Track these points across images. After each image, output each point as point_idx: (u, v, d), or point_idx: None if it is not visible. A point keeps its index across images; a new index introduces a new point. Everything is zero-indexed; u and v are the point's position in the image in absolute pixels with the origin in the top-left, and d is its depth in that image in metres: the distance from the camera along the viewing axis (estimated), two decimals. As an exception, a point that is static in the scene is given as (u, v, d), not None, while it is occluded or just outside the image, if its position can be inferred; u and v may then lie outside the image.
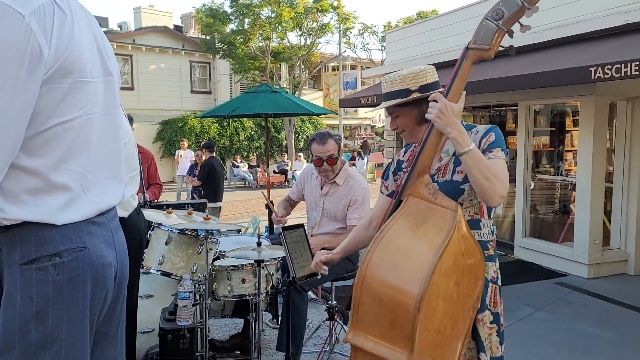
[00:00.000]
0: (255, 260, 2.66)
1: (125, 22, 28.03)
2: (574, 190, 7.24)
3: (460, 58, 1.63)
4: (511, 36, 1.59)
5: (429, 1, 61.96)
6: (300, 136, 23.42)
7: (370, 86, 12.47)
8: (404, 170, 1.98)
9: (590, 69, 4.82)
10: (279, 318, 3.73)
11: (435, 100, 1.63)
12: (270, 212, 6.77)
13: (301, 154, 21.29)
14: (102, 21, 26.94)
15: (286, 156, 21.36)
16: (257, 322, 2.84)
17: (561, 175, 7.91)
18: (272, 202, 5.48)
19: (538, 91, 6.97)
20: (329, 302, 3.34)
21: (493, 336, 1.77)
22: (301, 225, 2.37)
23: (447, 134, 1.62)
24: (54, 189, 1.12)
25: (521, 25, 1.58)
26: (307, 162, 21.83)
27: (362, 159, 22.05)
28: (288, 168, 20.63)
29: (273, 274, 2.91)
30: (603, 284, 6.47)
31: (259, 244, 2.64)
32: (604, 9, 6.17)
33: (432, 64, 7.48)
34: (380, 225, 2.10)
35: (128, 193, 2.20)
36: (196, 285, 2.70)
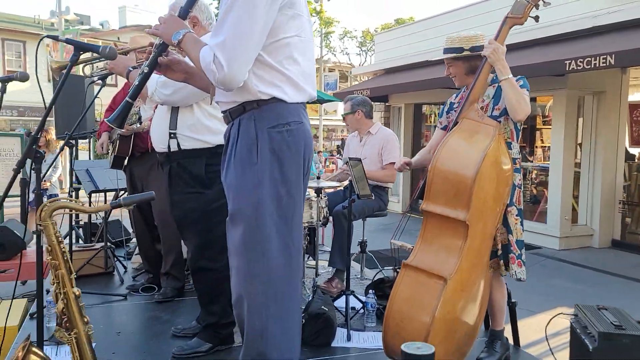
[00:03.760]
0: (315, 189, 3.40)
1: (106, 21, 28.24)
2: (545, 177, 8.20)
3: (501, 24, 2.42)
4: (537, 8, 2.38)
5: (406, 9, 63.61)
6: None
7: (362, 81, 13.30)
8: (455, 109, 2.71)
9: (565, 61, 5.73)
10: (315, 256, 4.45)
11: (489, 44, 2.39)
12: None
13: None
14: (84, 19, 27.10)
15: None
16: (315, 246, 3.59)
17: (533, 163, 8.86)
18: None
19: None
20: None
21: (517, 224, 2.53)
22: (360, 159, 3.11)
23: (495, 65, 2.37)
24: (288, 79, 1.77)
25: (544, 2, 2.38)
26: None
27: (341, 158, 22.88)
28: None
29: (324, 207, 3.64)
30: (572, 254, 7.41)
31: (318, 177, 3.37)
32: (575, 14, 7.14)
33: (414, 63, 8.52)
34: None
35: None
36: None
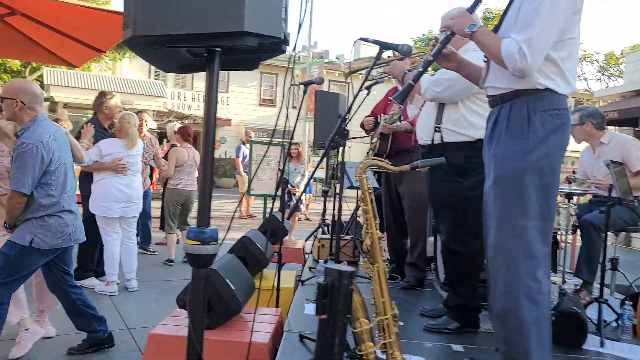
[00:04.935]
0: (566, 194, 3.37)
1: (342, 54, 31.10)
2: None
3: None
4: None
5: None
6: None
7: (607, 103, 12.20)
8: None
9: None
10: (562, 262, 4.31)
11: None
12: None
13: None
14: (324, 54, 30.36)
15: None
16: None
17: None
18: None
19: None
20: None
21: None
22: (621, 163, 3.01)
23: None
24: (562, 74, 1.99)
25: None
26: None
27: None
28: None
29: (573, 215, 3.57)
30: None
31: (569, 182, 3.34)
32: None
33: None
34: None
35: None
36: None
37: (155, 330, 2.55)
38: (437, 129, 2.86)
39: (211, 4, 1.26)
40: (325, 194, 6.29)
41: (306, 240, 6.17)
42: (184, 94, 20.66)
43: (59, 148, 3.01)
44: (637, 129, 10.78)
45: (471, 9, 2.16)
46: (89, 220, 4.78)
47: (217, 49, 1.40)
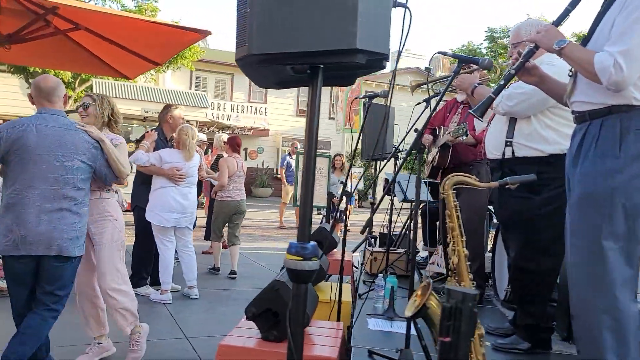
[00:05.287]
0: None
1: (379, 65, 31.22)
2: None
3: None
4: None
5: None
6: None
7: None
8: None
9: None
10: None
11: None
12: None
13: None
14: (360, 64, 30.56)
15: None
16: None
17: None
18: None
19: None
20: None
21: None
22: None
23: None
24: None
25: None
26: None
27: None
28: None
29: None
30: None
31: None
32: None
33: None
34: None
35: None
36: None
37: (225, 342, 2.57)
38: (508, 143, 2.80)
39: (324, 22, 1.27)
40: (372, 206, 6.27)
41: (353, 251, 6.15)
42: (224, 105, 20.99)
43: (26, 141, 2.66)
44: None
45: (557, 23, 2.11)
46: (144, 229, 4.90)
47: (321, 65, 1.40)
